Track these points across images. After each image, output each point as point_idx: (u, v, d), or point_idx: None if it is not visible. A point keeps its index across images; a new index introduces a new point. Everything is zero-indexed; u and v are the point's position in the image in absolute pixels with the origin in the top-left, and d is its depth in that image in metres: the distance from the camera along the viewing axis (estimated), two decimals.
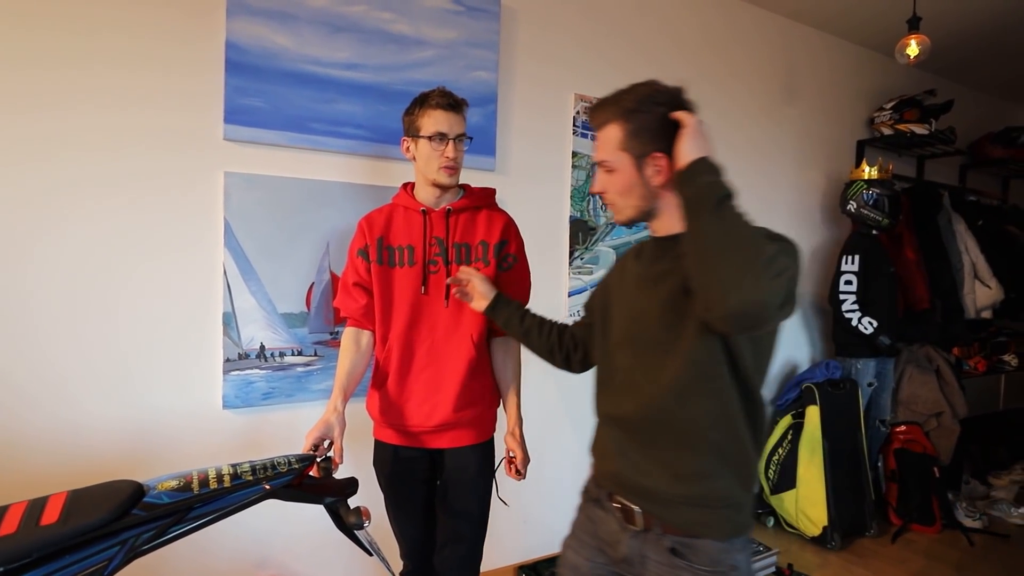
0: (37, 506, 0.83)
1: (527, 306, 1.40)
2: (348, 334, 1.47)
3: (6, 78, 1.45)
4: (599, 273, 2.44)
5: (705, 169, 0.88)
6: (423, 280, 1.41)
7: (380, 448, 1.49)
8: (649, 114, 0.95)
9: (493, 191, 1.53)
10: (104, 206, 1.58)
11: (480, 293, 1.35)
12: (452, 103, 1.39)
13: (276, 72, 1.75)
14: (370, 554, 1.17)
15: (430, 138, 1.36)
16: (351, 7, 1.86)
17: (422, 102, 1.40)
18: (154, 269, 1.64)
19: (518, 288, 1.49)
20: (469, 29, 2.07)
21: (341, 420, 1.27)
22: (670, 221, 1.01)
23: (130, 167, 1.60)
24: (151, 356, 1.65)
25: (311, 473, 1.07)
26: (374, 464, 1.51)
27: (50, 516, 0.81)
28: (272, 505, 1.79)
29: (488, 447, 1.49)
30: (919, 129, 3.10)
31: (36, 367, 1.52)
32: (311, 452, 1.12)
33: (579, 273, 2.39)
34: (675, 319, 0.94)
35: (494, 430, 1.52)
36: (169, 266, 1.66)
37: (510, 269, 1.47)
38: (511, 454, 1.44)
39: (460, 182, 1.47)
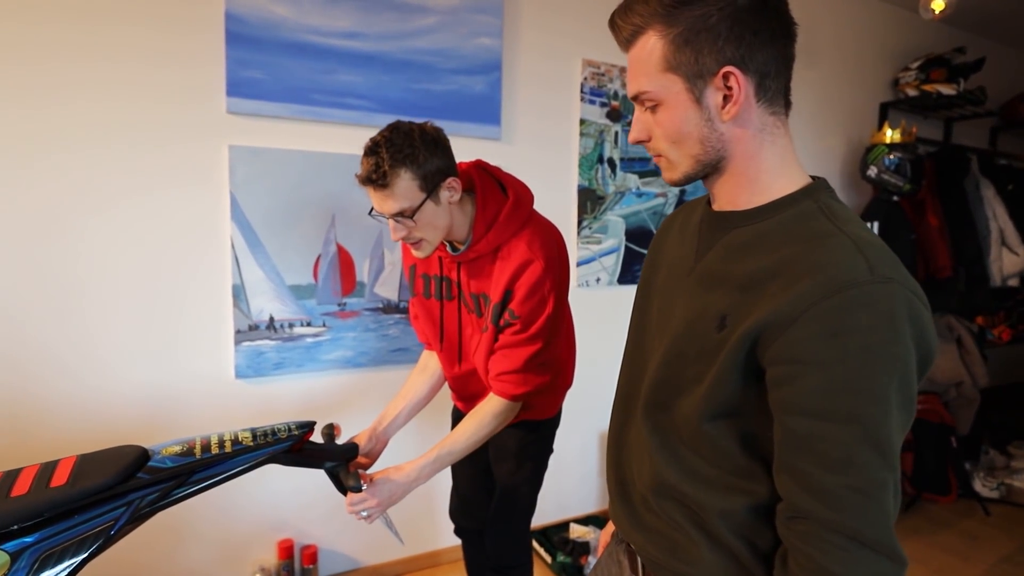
0: (48, 469, 0.87)
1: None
2: (422, 356, 1.53)
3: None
4: (607, 243, 2.41)
5: None
6: (442, 314, 1.37)
7: (454, 410, 1.57)
8: (708, 4, 0.59)
9: (515, 220, 1.22)
10: (113, 182, 1.60)
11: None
12: (370, 178, 1.08)
13: (276, 43, 1.74)
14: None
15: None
16: None
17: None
18: (165, 242, 1.67)
19: (506, 357, 1.23)
20: None
21: (372, 439, 1.35)
22: (733, 185, 0.66)
23: (136, 144, 1.62)
24: (164, 328, 1.69)
25: (312, 439, 1.10)
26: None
27: (59, 479, 0.85)
28: (288, 474, 1.85)
29: (533, 426, 1.44)
30: (946, 89, 2.96)
31: (54, 340, 1.58)
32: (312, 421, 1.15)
33: (587, 243, 2.37)
34: (706, 348, 0.65)
35: (549, 414, 1.46)
36: (179, 239, 1.69)
37: (503, 331, 1.23)
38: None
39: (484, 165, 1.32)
